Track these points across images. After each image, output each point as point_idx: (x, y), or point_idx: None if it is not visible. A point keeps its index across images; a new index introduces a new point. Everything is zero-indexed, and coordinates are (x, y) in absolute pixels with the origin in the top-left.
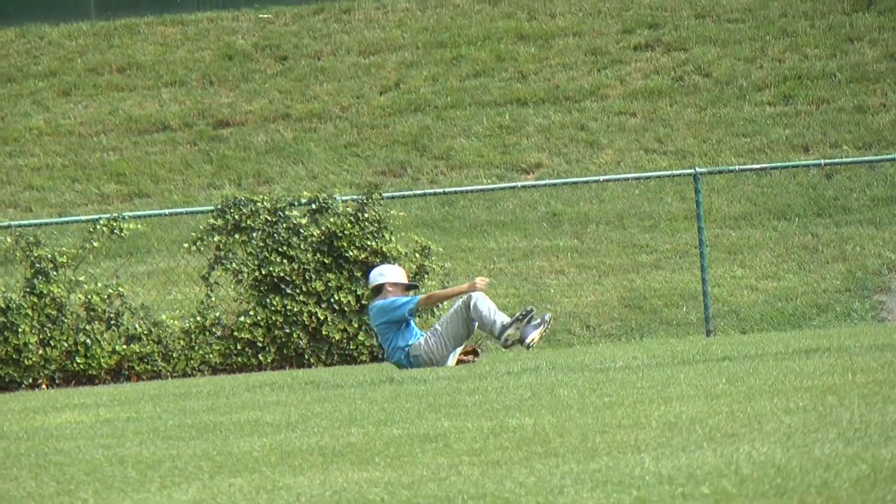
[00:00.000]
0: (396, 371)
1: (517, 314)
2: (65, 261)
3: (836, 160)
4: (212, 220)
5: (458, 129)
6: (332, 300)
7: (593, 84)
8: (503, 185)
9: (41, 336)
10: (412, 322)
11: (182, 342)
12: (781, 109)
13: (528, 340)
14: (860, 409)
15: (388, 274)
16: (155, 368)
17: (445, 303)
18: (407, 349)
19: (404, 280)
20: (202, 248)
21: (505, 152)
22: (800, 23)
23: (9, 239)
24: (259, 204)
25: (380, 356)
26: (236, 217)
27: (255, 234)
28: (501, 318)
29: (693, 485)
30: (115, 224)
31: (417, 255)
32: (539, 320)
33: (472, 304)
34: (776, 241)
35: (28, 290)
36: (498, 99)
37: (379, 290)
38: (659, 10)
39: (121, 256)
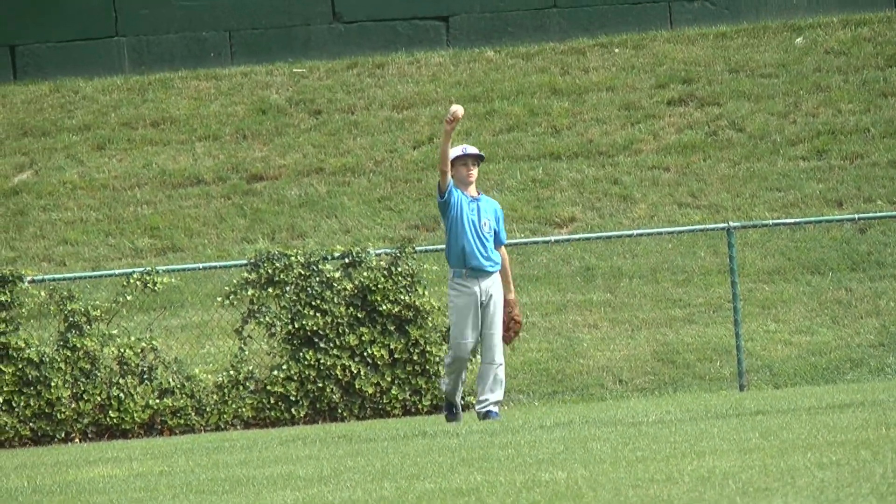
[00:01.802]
0: (429, 425)
1: (448, 408)
2: (98, 314)
3: (870, 214)
4: (245, 274)
5: (491, 183)
6: (365, 354)
7: (626, 138)
8: (536, 239)
9: (74, 390)
10: (463, 232)
11: (215, 396)
12: (815, 164)
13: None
14: (894, 464)
15: (468, 148)
16: (188, 422)
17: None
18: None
19: (461, 152)
20: (235, 302)
21: (538, 206)
22: (833, 77)
23: (43, 293)
24: (292, 258)
25: (412, 411)
26: (269, 271)
27: (288, 288)
28: (444, 382)
29: None
30: (148, 278)
31: None
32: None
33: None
34: (810, 296)
35: (61, 343)
36: (531, 153)
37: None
38: (692, 65)
39: (154, 310)
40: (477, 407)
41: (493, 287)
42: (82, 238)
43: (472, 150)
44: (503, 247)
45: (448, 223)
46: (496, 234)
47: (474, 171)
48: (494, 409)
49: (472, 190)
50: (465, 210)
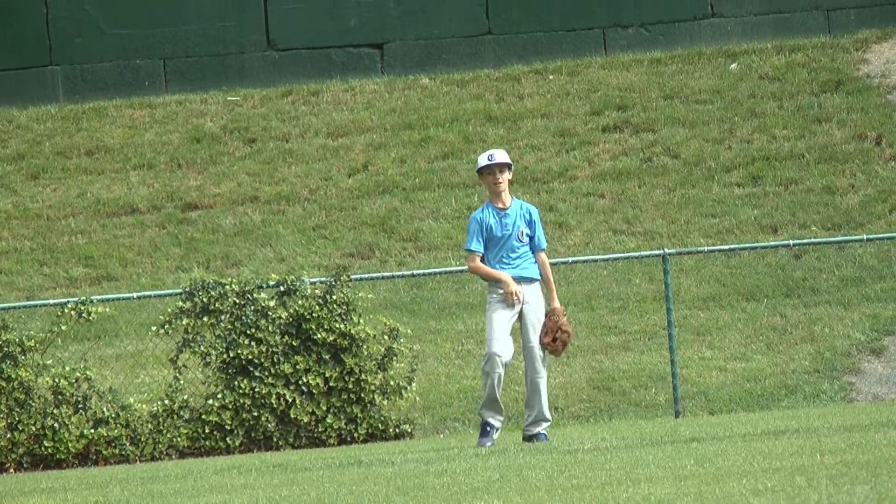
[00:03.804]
0: (364, 454)
1: (482, 427)
2: (32, 345)
3: (805, 241)
4: (180, 303)
5: (426, 211)
6: (300, 382)
7: (562, 165)
8: None
9: (9, 420)
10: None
11: (150, 426)
12: (750, 190)
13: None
14: (828, 490)
15: (494, 156)
16: (123, 452)
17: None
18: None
19: (487, 161)
20: (170, 332)
21: None
22: (768, 103)
23: None
24: (227, 287)
25: (347, 439)
26: (204, 300)
27: (223, 317)
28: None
29: None
30: (82, 308)
31: (386, 338)
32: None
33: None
34: (745, 323)
35: None
36: (466, 181)
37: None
38: (627, 92)
39: (89, 340)
40: (524, 428)
41: (529, 294)
42: (16, 268)
43: (499, 156)
44: (543, 253)
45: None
46: (531, 239)
47: (502, 179)
48: (537, 429)
49: (504, 198)
50: (496, 229)
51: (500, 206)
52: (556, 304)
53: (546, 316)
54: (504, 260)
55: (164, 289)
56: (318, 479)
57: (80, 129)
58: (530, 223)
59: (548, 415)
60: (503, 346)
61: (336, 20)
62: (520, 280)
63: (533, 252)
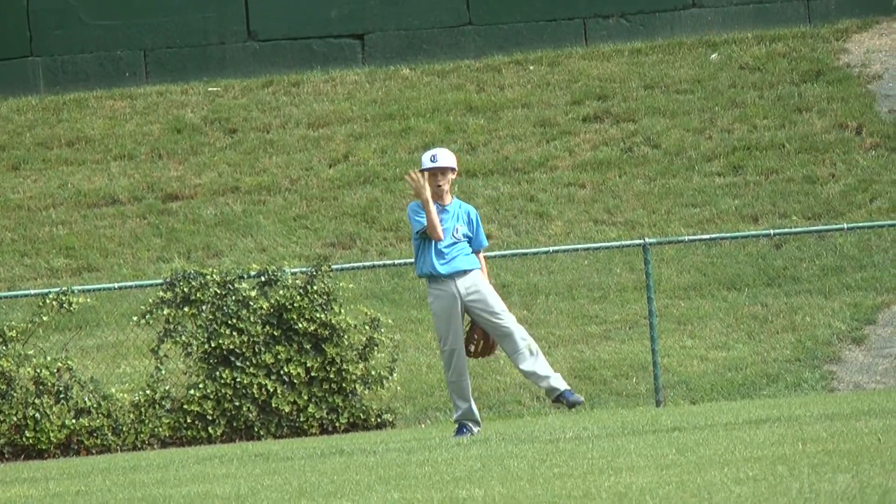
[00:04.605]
0: (346, 443)
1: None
2: (14, 335)
3: (786, 230)
4: (161, 294)
5: (407, 201)
6: (281, 372)
7: (542, 155)
8: None
9: None
10: (439, 248)
11: (132, 415)
12: (731, 180)
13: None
14: (810, 479)
15: (437, 156)
16: (104, 442)
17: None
18: (420, 277)
19: (430, 163)
20: (151, 322)
21: None
22: (749, 93)
23: None
24: (208, 277)
25: (329, 429)
26: (185, 290)
27: (204, 307)
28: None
29: None
30: (64, 298)
31: (367, 327)
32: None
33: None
34: (726, 312)
35: None
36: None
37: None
38: (608, 82)
39: (70, 330)
40: (549, 397)
41: (466, 284)
42: None
43: (442, 158)
44: (481, 253)
45: (416, 242)
46: (470, 239)
47: (443, 182)
48: (557, 385)
49: (445, 198)
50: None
51: (440, 203)
52: None
53: (471, 325)
54: (438, 253)
55: (146, 279)
56: (299, 468)
57: (61, 119)
58: (469, 223)
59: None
60: (454, 355)
61: (316, 11)
62: (454, 274)
63: (472, 250)
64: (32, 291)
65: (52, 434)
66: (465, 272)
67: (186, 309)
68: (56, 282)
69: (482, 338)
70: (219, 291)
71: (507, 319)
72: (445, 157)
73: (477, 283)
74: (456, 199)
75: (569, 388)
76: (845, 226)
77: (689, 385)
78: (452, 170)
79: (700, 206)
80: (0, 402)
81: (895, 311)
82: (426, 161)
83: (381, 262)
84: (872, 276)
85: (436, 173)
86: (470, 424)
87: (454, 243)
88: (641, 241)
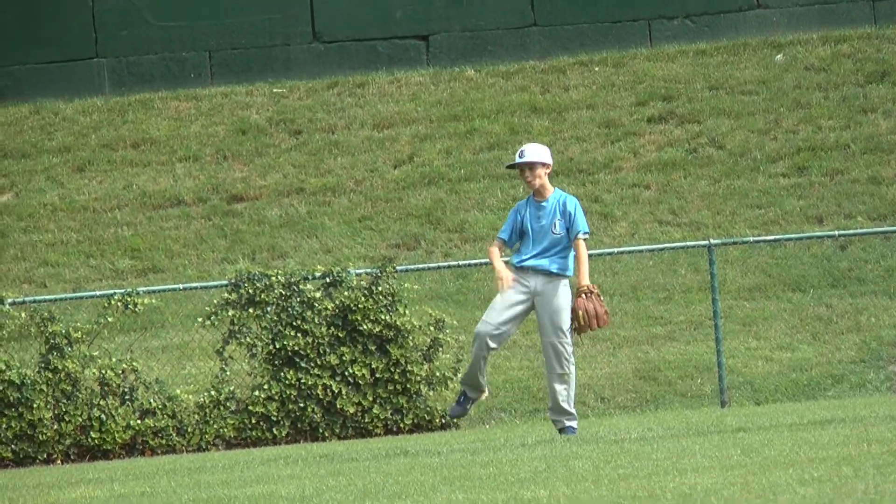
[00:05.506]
0: (410, 444)
1: (458, 397)
2: (79, 336)
3: (851, 231)
4: (226, 295)
5: (472, 202)
6: (346, 373)
7: (607, 156)
8: None
9: (56, 411)
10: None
11: (196, 416)
12: (795, 181)
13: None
14: (875, 480)
15: (525, 152)
16: (169, 443)
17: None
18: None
19: (518, 158)
20: (216, 323)
21: None
22: (814, 94)
23: (24, 315)
24: (273, 278)
25: (393, 430)
26: (250, 291)
27: (269, 309)
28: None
29: None
30: (129, 299)
31: (432, 328)
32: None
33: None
34: (790, 313)
35: (43, 365)
36: (512, 172)
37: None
38: (672, 83)
39: (135, 331)
40: (550, 414)
41: (541, 285)
42: (63, 260)
43: (530, 154)
44: (580, 238)
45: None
46: (567, 231)
47: (531, 177)
48: (560, 423)
49: (541, 192)
50: (530, 221)
51: (538, 199)
52: (584, 281)
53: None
54: (534, 251)
55: (210, 280)
56: (364, 469)
57: (126, 121)
58: (564, 213)
59: (567, 408)
60: (489, 328)
61: (381, 12)
62: (531, 270)
63: (570, 240)
64: (98, 293)
65: (117, 435)
66: (546, 273)
67: (251, 310)
68: (121, 283)
69: (587, 315)
70: (283, 293)
71: (565, 339)
72: (533, 152)
73: (550, 292)
74: (556, 191)
75: (574, 426)
76: None
77: (754, 386)
78: (543, 164)
79: (765, 207)
80: (65, 404)
81: None
82: (517, 157)
83: (445, 264)
84: None
85: (524, 169)
86: (469, 395)
87: (549, 247)
88: (706, 242)
